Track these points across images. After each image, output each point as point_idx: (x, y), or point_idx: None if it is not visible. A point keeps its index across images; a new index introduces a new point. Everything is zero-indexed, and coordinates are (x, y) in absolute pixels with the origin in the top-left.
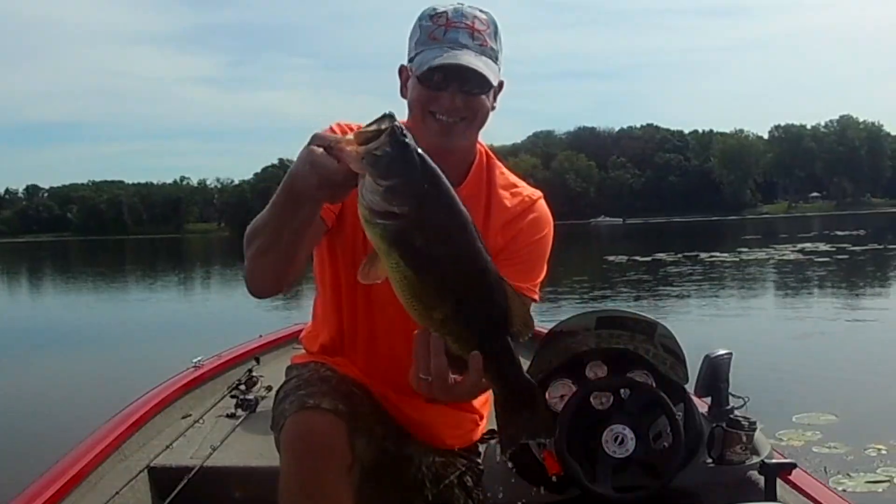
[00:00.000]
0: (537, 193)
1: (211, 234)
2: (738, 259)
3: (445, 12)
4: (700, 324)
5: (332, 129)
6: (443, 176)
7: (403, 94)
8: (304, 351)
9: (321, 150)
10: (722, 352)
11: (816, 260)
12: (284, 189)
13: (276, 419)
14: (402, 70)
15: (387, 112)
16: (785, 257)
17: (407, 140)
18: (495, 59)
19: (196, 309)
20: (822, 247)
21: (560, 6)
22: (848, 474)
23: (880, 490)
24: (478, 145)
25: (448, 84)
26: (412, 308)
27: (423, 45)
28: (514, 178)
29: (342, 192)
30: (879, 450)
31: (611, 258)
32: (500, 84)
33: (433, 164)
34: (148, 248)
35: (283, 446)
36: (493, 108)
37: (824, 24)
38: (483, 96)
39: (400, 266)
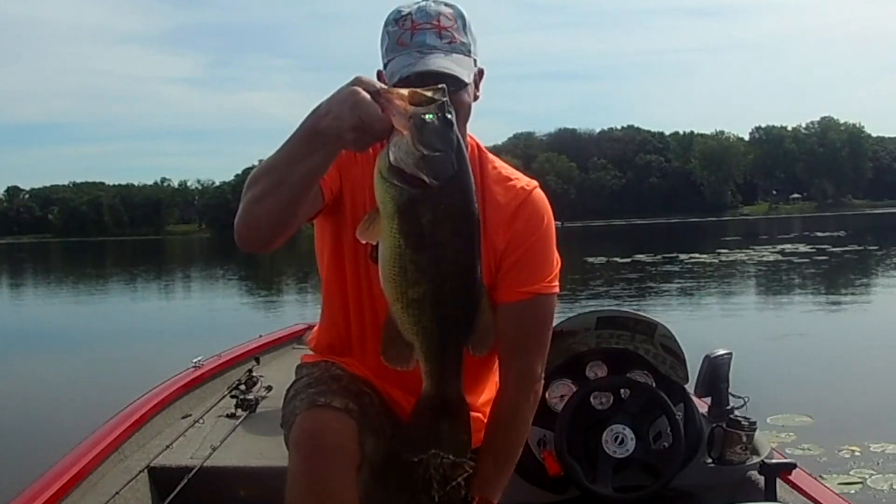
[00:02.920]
0: (532, 184)
1: (192, 236)
2: (717, 260)
3: (410, 14)
4: (680, 323)
5: None
6: (469, 166)
7: None
8: (311, 352)
9: (367, 94)
10: (722, 352)
11: (796, 261)
12: (309, 125)
13: (285, 417)
14: (380, 75)
15: (441, 84)
16: (764, 258)
17: (453, 118)
18: (468, 53)
19: (195, 309)
20: (802, 248)
21: (541, 7)
22: (821, 476)
23: (853, 492)
24: (468, 139)
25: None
26: (392, 278)
27: (392, 52)
28: (508, 171)
29: (371, 143)
30: (853, 451)
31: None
32: (481, 72)
33: (465, 150)
34: (130, 249)
35: (293, 444)
36: (476, 97)
37: (805, 26)
38: (461, 92)
39: (399, 233)
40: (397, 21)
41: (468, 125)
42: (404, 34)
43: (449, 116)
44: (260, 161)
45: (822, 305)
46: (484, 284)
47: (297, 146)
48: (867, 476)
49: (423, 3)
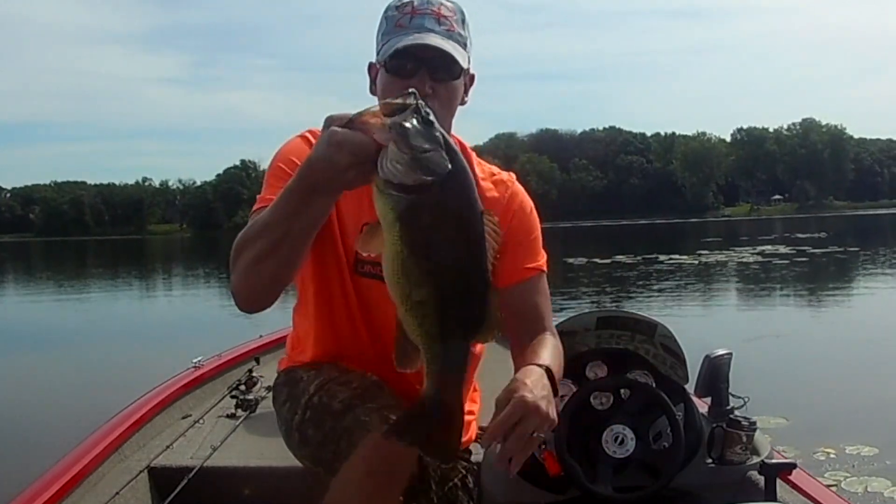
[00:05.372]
0: (511, 175)
1: (173, 235)
2: (697, 261)
3: (411, 1)
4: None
5: (304, 136)
6: (464, 160)
7: (373, 92)
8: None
9: (345, 129)
10: (722, 352)
11: (776, 262)
12: (305, 181)
13: (347, 430)
14: (371, 67)
15: (410, 89)
16: (745, 260)
17: (432, 117)
18: (464, 46)
19: (193, 309)
20: (783, 249)
21: (522, 8)
22: None
23: None
24: (454, 139)
25: (417, 70)
26: (396, 283)
27: (389, 35)
28: (488, 167)
29: (370, 171)
30: (828, 453)
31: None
32: (472, 78)
33: (455, 146)
34: (111, 249)
35: (360, 462)
36: (464, 101)
37: (787, 28)
38: (454, 83)
39: (400, 240)
40: (398, 7)
41: (453, 127)
42: (403, 17)
43: (428, 116)
44: (242, 161)
45: (800, 307)
46: (492, 283)
47: (295, 201)
48: (842, 479)
49: None
